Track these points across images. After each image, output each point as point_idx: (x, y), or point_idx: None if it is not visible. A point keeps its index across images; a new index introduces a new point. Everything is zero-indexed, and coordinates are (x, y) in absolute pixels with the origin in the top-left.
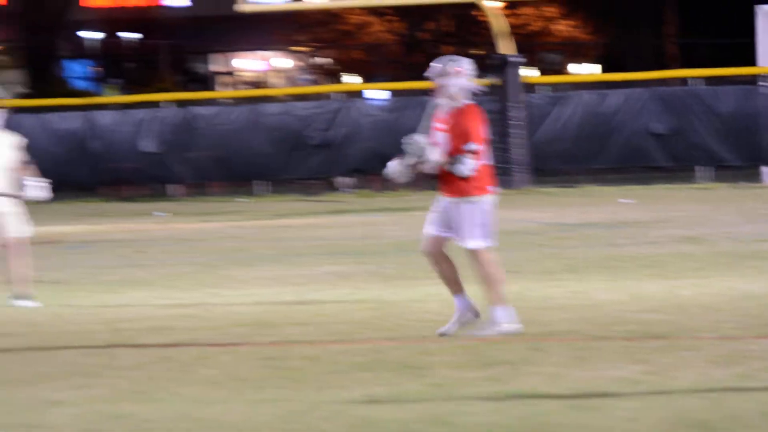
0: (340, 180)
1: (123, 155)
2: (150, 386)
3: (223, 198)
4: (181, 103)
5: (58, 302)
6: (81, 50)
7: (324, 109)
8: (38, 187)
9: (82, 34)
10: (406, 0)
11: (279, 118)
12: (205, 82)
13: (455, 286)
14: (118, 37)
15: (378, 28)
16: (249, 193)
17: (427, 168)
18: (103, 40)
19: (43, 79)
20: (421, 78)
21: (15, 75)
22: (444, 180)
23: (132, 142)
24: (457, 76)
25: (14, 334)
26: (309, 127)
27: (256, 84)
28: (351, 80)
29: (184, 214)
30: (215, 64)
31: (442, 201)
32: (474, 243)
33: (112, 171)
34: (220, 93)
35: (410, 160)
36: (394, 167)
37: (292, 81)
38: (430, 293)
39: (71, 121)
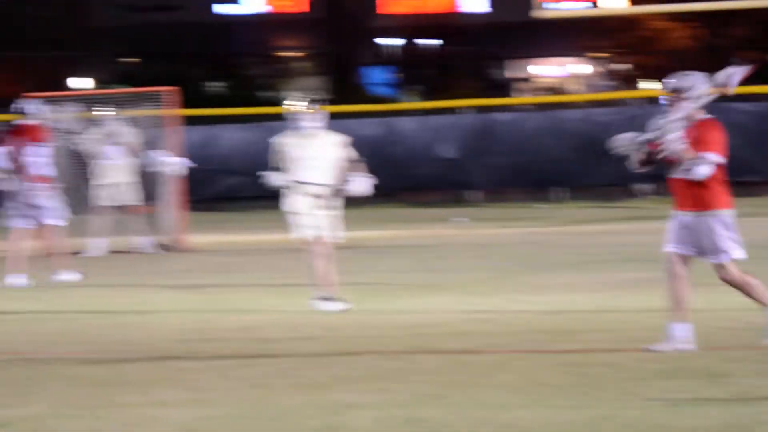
0: (639, 186)
1: (421, 161)
2: (449, 391)
3: (520, 204)
4: (480, 109)
5: (358, 306)
6: (381, 57)
7: (622, 115)
8: (361, 182)
9: (382, 40)
10: (706, 6)
11: (577, 124)
12: (504, 88)
13: (680, 312)
14: (418, 44)
15: (678, 34)
16: (547, 199)
17: (662, 154)
18: (402, 47)
19: (345, 86)
20: (716, 86)
21: (317, 82)
22: (685, 194)
23: (430, 148)
24: (693, 91)
25: (315, 338)
26: (607, 134)
27: (554, 90)
28: (650, 86)
29: (482, 220)
30: (513, 70)
31: (682, 217)
32: (725, 256)
33: (411, 177)
34: (517, 99)
35: (648, 137)
36: (624, 138)
37: (590, 87)
38: (733, 301)
39: (371, 128)
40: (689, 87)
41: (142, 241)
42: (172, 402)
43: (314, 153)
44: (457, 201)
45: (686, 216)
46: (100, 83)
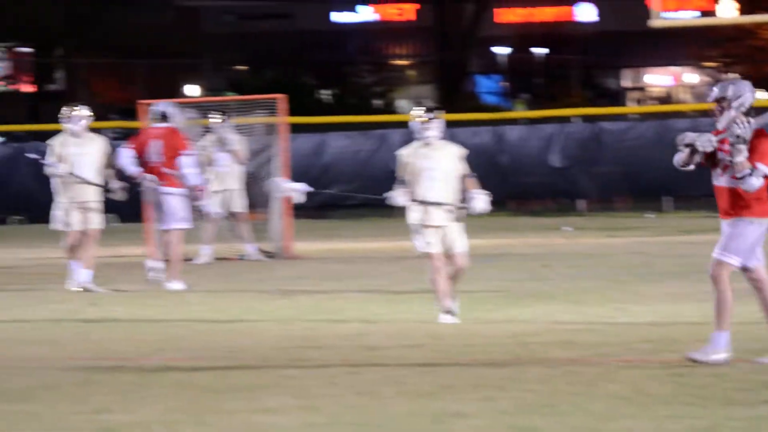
0: None
1: (530, 170)
2: (555, 400)
3: (629, 213)
4: (589, 118)
5: (466, 315)
6: (491, 65)
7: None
8: (482, 200)
9: (492, 49)
10: None
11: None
12: (614, 97)
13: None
14: (528, 52)
15: None
16: (655, 208)
17: (734, 152)
18: (512, 55)
19: (454, 94)
20: None
21: (425, 90)
22: (727, 202)
23: (540, 157)
24: (736, 99)
25: (421, 346)
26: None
27: (664, 99)
28: (759, 96)
29: (590, 229)
30: (624, 79)
31: (723, 224)
32: (730, 259)
33: (520, 185)
34: (627, 108)
35: (728, 137)
36: (702, 136)
37: (700, 96)
38: None
39: (481, 136)
40: (733, 95)
41: (247, 248)
42: (279, 409)
43: (436, 164)
44: (565, 210)
45: (725, 223)
46: (209, 90)
